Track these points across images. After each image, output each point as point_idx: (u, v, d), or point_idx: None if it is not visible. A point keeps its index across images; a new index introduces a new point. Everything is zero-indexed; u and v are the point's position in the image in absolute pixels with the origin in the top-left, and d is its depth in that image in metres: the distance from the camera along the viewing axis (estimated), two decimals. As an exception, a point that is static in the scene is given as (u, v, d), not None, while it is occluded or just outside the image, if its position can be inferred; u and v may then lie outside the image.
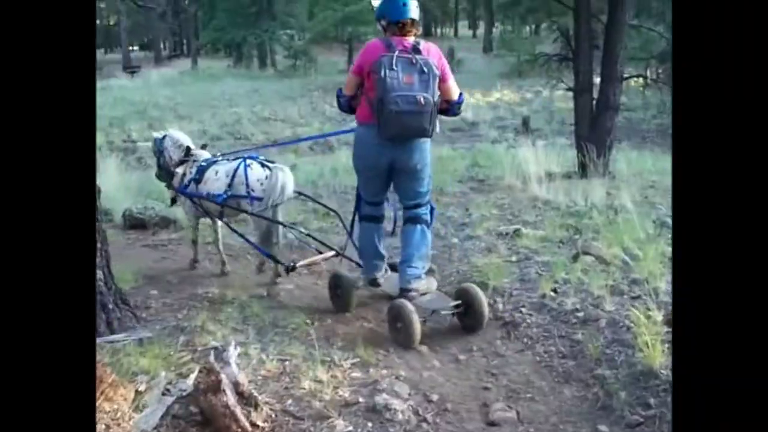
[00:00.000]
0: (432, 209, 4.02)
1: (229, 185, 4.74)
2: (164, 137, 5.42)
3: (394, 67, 3.49)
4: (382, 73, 3.48)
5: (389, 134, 3.59)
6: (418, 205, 3.88)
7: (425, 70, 3.52)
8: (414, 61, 3.53)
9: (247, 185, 4.66)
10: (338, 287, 4.18)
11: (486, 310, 3.75)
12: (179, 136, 5.45)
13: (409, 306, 3.60)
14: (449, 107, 3.85)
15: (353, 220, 4.31)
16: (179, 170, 5.16)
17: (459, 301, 3.79)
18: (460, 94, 3.86)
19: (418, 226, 3.87)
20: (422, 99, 3.48)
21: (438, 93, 3.62)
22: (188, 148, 5.27)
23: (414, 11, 3.68)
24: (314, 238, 4.97)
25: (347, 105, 3.91)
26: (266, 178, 4.66)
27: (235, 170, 4.75)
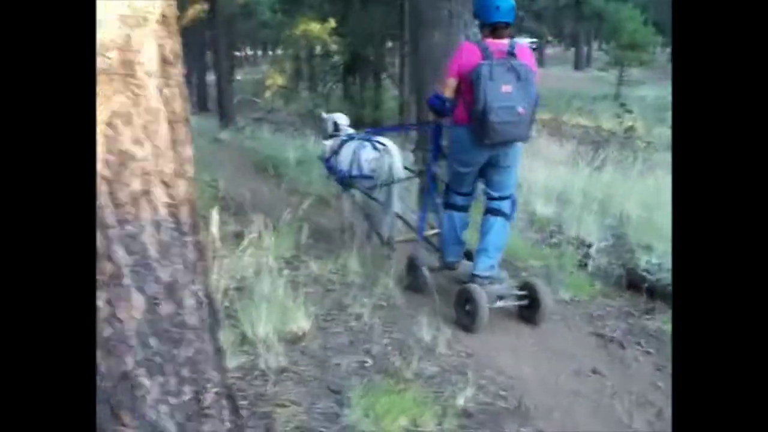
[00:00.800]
0: (513, 202, 4.19)
1: (351, 163, 5.24)
2: (327, 117, 6.14)
3: (492, 77, 3.57)
4: (482, 83, 3.57)
5: (490, 142, 3.72)
6: (503, 198, 4.07)
7: (522, 76, 3.61)
8: (511, 67, 3.61)
9: (359, 165, 5.13)
10: (416, 268, 4.39)
11: (550, 304, 3.97)
12: (337, 115, 6.10)
13: (480, 291, 3.81)
14: None
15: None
16: (327, 143, 5.80)
17: (525, 293, 4.00)
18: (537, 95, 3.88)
19: (499, 218, 4.06)
20: (521, 110, 3.61)
21: (534, 96, 3.69)
22: (336, 124, 5.88)
23: (508, 14, 3.75)
24: (405, 222, 5.22)
25: (450, 108, 3.94)
26: (375, 159, 5.09)
27: (354, 150, 5.25)
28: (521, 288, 4.07)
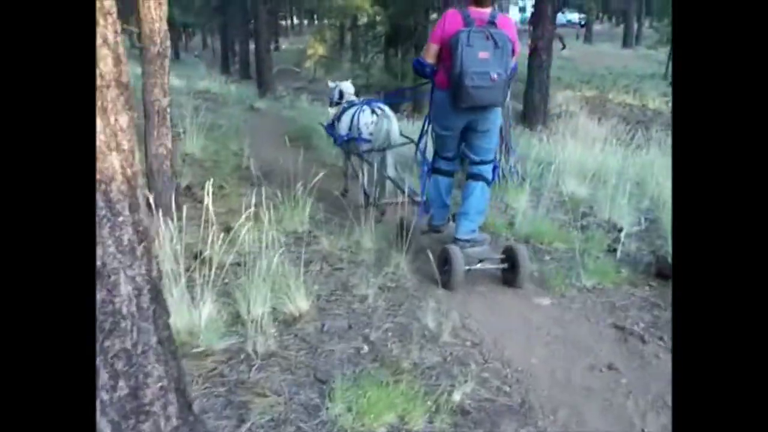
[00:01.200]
0: (495, 168, 4.35)
1: (349, 128, 5.56)
2: (333, 85, 6.54)
3: (470, 43, 3.72)
4: (459, 49, 3.73)
5: (465, 105, 3.87)
6: (483, 162, 4.22)
7: (499, 44, 3.74)
8: (489, 36, 3.75)
9: (358, 128, 5.41)
10: (405, 229, 4.41)
11: (529, 269, 4.11)
12: (343, 84, 6.43)
13: (458, 252, 4.00)
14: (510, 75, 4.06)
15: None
16: (331, 110, 6.23)
17: (504, 256, 4.17)
18: (515, 65, 4.06)
19: (480, 183, 4.21)
20: (495, 75, 3.74)
21: (510, 65, 3.87)
22: (341, 92, 6.25)
23: None
24: (397, 186, 5.39)
25: (430, 72, 4.12)
26: (373, 123, 5.36)
27: (353, 114, 5.56)
28: (502, 252, 4.23)
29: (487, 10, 3.89)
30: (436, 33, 3.99)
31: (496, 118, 4.09)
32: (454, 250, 4.02)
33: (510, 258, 4.12)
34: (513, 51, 3.87)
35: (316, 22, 41.92)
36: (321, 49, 21.94)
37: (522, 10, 44.30)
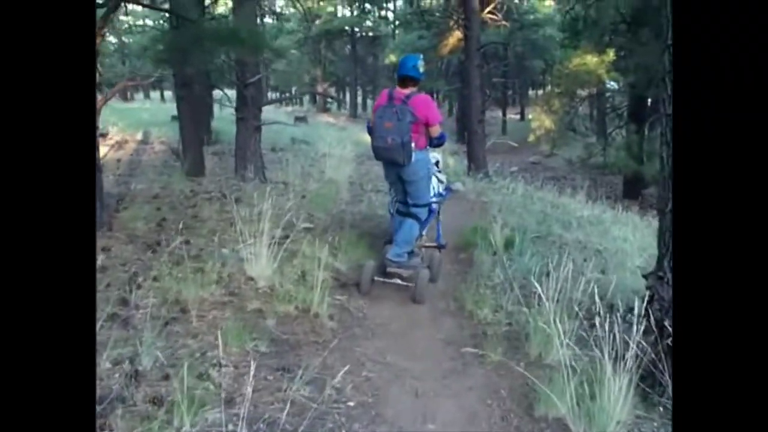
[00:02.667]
0: (431, 211, 5.53)
1: None
2: None
3: (381, 115, 4.93)
4: (375, 120, 4.98)
5: (377, 159, 5.15)
6: (416, 205, 5.33)
7: (400, 117, 4.85)
8: (395, 111, 4.87)
9: None
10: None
11: (421, 286, 5.03)
12: None
13: (369, 265, 5.17)
14: (433, 141, 5.14)
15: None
16: None
17: (410, 278, 5.24)
18: (441, 134, 5.13)
19: (409, 220, 5.31)
20: (390, 140, 4.87)
21: (410, 134, 4.86)
22: None
23: (410, 70, 5.00)
24: None
25: (370, 132, 5.22)
26: None
27: None
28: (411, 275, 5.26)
29: (406, 91, 5.00)
30: (374, 105, 5.25)
31: (416, 171, 5.09)
32: (367, 264, 5.21)
33: (413, 279, 5.18)
34: (427, 123, 4.95)
35: (539, 90, 36.84)
36: (548, 122, 18.10)
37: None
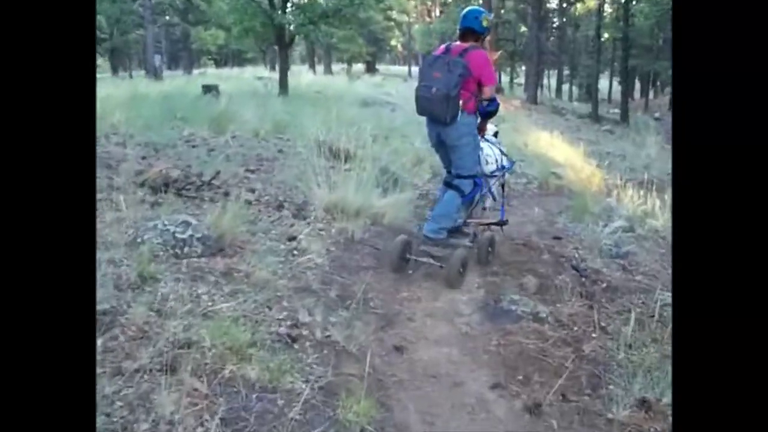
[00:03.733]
0: (477, 184, 4.88)
1: None
2: None
3: (432, 64, 4.48)
4: (423, 69, 4.59)
5: (417, 112, 4.65)
6: (459, 176, 4.76)
7: (451, 68, 4.34)
8: (448, 61, 4.39)
9: None
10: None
11: (453, 271, 4.46)
12: None
13: (398, 242, 4.67)
14: (483, 106, 4.60)
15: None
16: None
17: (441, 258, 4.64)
18: (493, 99, 4.60)
19: (450, 191, 4.76)
20: (435, 89, 4.36)
21: (459, 88, 4.37)
22: None
23: (471, 22, 4.59)
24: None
25: None
26: None
27: None
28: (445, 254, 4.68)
29: (465, 45, 4.56)
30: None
31: (459, 134, 4.57)
32: (398, 239, 4.71)
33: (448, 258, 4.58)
34: (480, 82, 4.48)
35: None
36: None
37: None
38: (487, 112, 4.67)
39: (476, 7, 4.88)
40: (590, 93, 30.79)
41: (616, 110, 28.41)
